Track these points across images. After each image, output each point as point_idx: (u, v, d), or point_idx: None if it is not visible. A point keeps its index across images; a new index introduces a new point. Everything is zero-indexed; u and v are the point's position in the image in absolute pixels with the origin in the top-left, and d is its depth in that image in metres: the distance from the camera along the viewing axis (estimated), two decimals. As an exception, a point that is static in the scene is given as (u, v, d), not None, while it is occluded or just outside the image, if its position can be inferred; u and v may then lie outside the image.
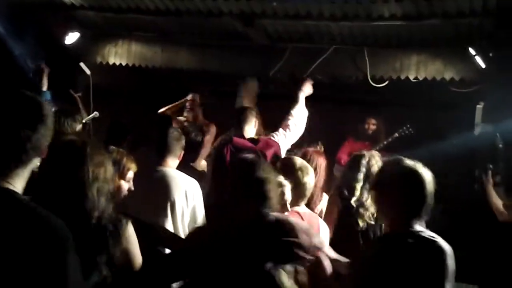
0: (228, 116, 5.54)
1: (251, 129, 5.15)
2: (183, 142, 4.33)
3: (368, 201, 4.05)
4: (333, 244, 3.86)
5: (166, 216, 3.95)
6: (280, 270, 2.69)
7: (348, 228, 4.07)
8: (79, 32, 7.34)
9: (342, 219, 4.12)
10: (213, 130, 6.76)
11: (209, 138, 6.66)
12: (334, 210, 4.21)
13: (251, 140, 4.93)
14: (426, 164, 4.77)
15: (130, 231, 2.55)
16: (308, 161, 4.54)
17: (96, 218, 2.38)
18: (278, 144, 5.00)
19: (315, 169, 4.49)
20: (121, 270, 2.49)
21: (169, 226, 3.93)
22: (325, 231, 3.74)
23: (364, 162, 4.19)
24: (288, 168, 3.72)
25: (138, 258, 2.64)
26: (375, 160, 4.22)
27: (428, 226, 5.21)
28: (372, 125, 7.66)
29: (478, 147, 6.45)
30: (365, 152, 4.36)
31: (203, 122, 6.88)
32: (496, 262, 5.48)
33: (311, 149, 4.90)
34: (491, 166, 5.46)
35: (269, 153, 4.81)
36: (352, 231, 4.06)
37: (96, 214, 2.38)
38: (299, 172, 3.70)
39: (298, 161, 3.86)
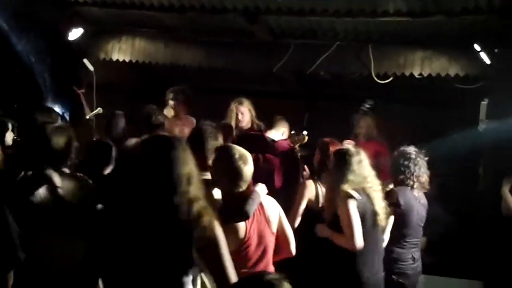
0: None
1: (277, 134, 5.18)
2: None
3: (378, 199, 4.04)
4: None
5: None
6: None
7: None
8: (82, 28, 7.31)
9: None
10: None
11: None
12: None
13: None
14: (430, 162, 4.80)
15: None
16: (330, 153, 4.55)
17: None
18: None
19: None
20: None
21: None
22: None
23: (354, 159, 4.10)
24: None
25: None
26: (362, 156, 4.15)
27: (433, 225, 5.24)
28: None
29: (482, 145, 6.42)
30: (350, 149, 4.25)
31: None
32: (500, 259, 5.47)
33: (328, 141, 4.87)
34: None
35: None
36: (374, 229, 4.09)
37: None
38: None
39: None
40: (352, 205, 3.95)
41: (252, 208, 3.26)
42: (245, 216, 3.22)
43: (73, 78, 7.68)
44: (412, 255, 4.51)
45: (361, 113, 6.80)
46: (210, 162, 3.69)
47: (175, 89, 6.62)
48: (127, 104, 7.75)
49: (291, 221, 4.37)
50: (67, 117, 7.50)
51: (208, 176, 3.58)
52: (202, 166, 3.57)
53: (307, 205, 4.51)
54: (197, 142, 3.76)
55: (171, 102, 6.50)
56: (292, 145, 5.55)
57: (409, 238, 4.49)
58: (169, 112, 6.35)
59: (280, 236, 3.53)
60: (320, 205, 4.53)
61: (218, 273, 2.48)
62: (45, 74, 7.20)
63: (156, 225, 2.41)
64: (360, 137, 6.60)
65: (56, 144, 3.25)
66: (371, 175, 4.18)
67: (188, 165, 2.48)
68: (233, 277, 2.47)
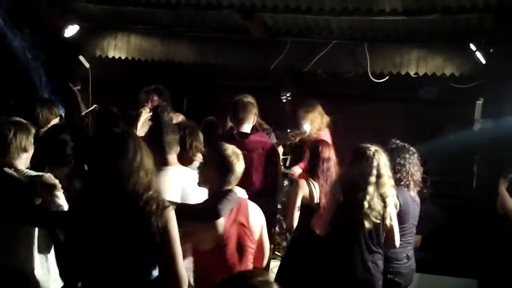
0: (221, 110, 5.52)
1: (249, 126, 5.13)
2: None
3: (375, 199, 3.94)
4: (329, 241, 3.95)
5: None
6: None
7: (350, 227, 4.00)
8: (78, 25, 7.29)
9: (343, 217, 4.03)
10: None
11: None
12: (332, 204, 4.15)
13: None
14: (425, 160, 4.81)
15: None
16: (319, 152, 4.59)
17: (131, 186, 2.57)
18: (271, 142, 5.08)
19: (323, 160, 4.57)
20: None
21: None
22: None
23: (375, 163, 3.99)
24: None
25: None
26: (382, 158, 4.03)
27: (426, 222, 5.25)
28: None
29: (477, 144, 6.43)
30: (372, 150, 4.05)
31: None
32: (494, 257, 5.49)
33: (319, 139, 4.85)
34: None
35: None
36: (355, 230, 3.99)
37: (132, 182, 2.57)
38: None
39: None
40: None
41: (226, 207, 3.17)
42: (216, 216, 3.15)
43: (68, 74, 7.67)
44: (406, 254, 4.51)
45: (285, 105, 6.76)
46: (169, 156, 3.76)
47: (148, 89, 6.50)
48: (122, 101, 7.78)
49: (289, 220, 4.39)
50: (63, 114, 7.48)
51: (169, 169, 3.70)
52: (161, 159, 3.63)
53: (302, 203, 4.52)
54: (155, 136, 3.79)
55: (145, 103, 6.36)
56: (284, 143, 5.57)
57: (404, 237, 4.48)
58: (145, 112, 6.05)
59: (258, 247, 3.49)
60: (315, 201, 4.56)
61: (167, 261, 2.60)
62: (40, 71, 7.18)
63: (110, 214, 2.57)
64: (313, 132, 6.40)
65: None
66: None
67: (138, 157, 2.60)
68: (180, 263, 2.61)
